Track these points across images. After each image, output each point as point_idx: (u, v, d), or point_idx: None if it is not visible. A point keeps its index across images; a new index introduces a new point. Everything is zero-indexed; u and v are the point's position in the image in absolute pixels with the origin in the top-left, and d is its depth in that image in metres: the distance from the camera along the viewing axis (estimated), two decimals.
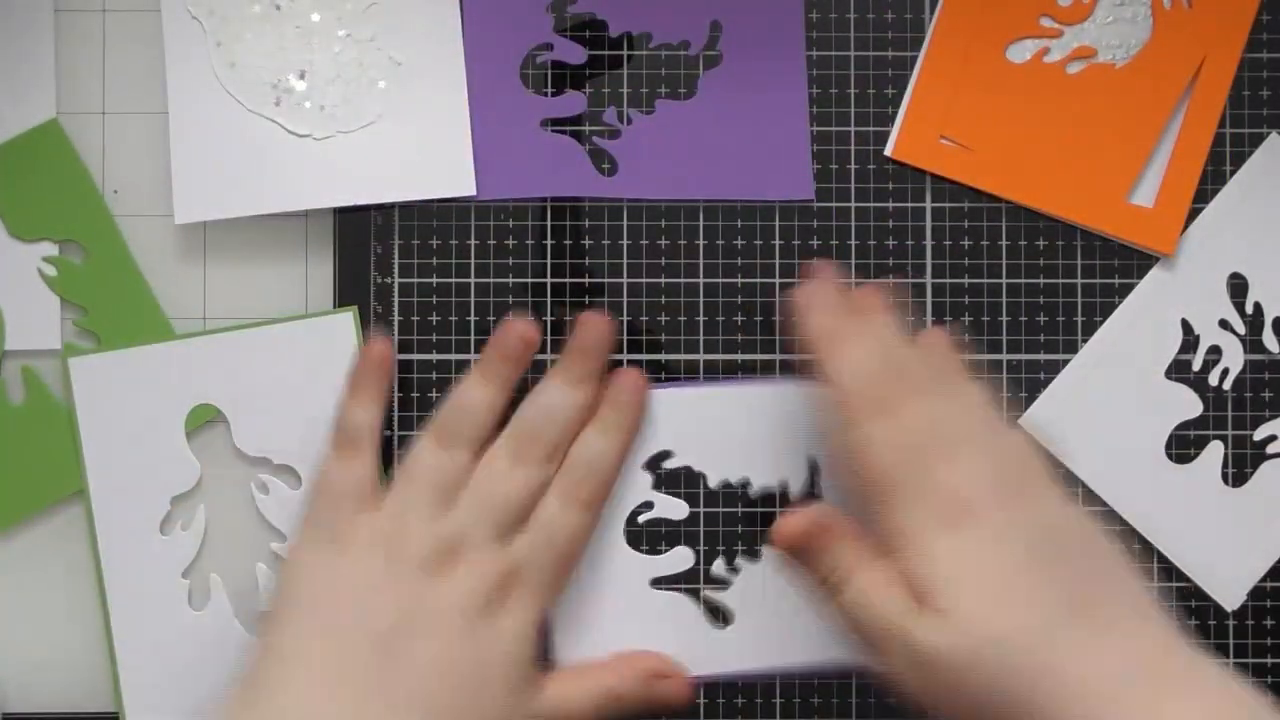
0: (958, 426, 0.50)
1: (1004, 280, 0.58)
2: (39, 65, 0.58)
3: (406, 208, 0.58)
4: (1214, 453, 0.57)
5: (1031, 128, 0.58)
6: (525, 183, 0.58)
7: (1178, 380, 0.57)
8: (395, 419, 0.58)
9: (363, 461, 0.55)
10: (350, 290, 0.58)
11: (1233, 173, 0.58)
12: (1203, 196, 0.58)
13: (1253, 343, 0.58)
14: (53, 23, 0.58)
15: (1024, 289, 0.58)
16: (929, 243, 0.58)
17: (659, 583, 0.57)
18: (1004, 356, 0.58)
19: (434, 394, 0.58)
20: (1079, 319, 0.58)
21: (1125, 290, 0.58)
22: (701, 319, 0.58)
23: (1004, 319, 0.58)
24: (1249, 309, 0.57)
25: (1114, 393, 0.57)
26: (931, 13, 0.58)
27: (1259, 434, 0.57)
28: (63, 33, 0.59)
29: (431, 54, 0.58)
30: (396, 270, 0.58)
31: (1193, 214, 0.58)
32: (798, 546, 0.51)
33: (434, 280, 0.58)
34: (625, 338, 0.58)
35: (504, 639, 0.52)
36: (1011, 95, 0.58)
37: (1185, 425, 0.57)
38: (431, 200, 0.58)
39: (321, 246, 0.59)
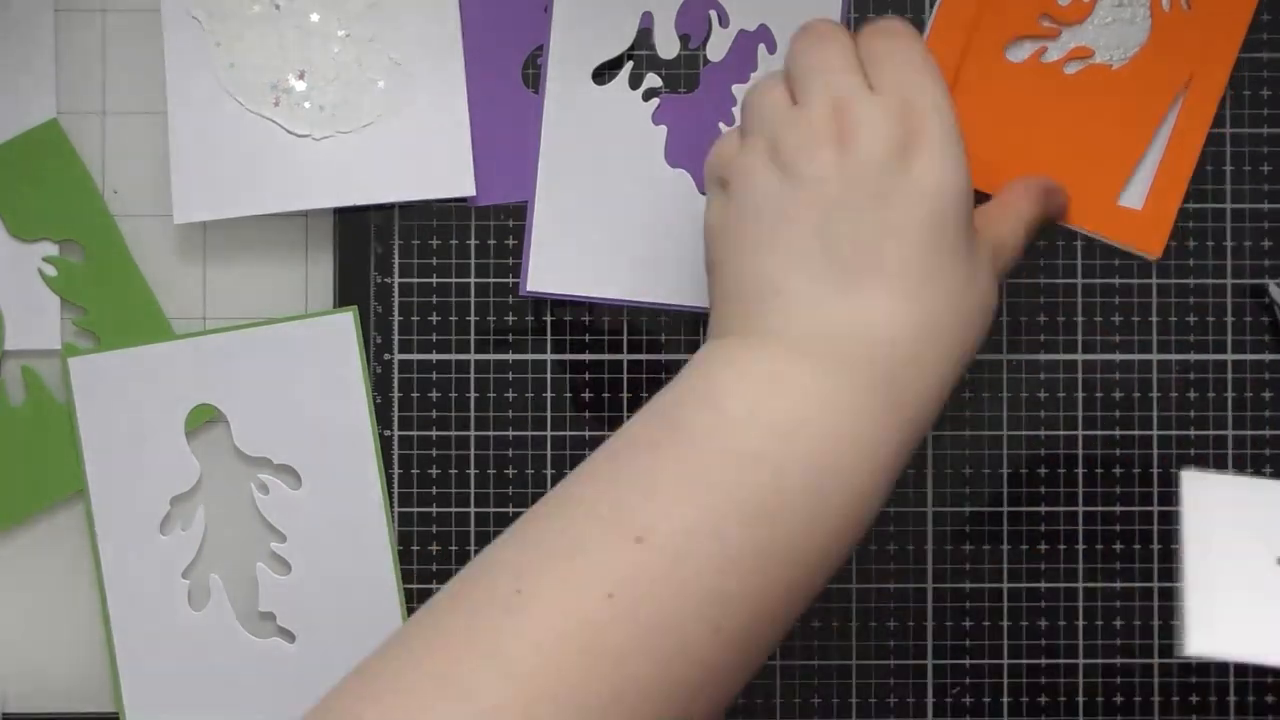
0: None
1: (1004, 280, 0.58)
2: (39, 65, 0.58)
3: (406, 208, 0.58)
4: None
5: (1028, 128, 0.58)
6: (525, 183, 0.58)
7: None
8: (395, 419, 0.58)
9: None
10: (350, 290, 0.58)
11: (1233, 173, 0.58)
12: (1202, 197, 0.58)
13: None
14: (53, 23, 0.58)
15: (1024, 289, 0.58)
16: None
17: None
18: (1004, 356, 0.58)
19: (434, 394, 0.58)
20: (1079, 319, 0.58)
21: (1125, 290, 0.58)
22: (702, 321, 0.58)
23: (1004, 319, 0.58)
24: None
25: None
26: (930, 11, 0.58)
27: None
28: (63, 33, 0.59)
29: (431, 54, 0.58)
30: (396, 270, 0.58)
31: (1183, 214, 0.58)
32: None
33: (434, 280, 0.58)
34: (625, 338, 0.58)
35: (927, 183, 0.47)
36: (1009, 95, 0.58)
37: None
38: (431, 200, 0.58)
39: (321, 246, 0.59)
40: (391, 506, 0.58)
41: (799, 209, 0.47)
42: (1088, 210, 0.57)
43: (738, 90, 0.58)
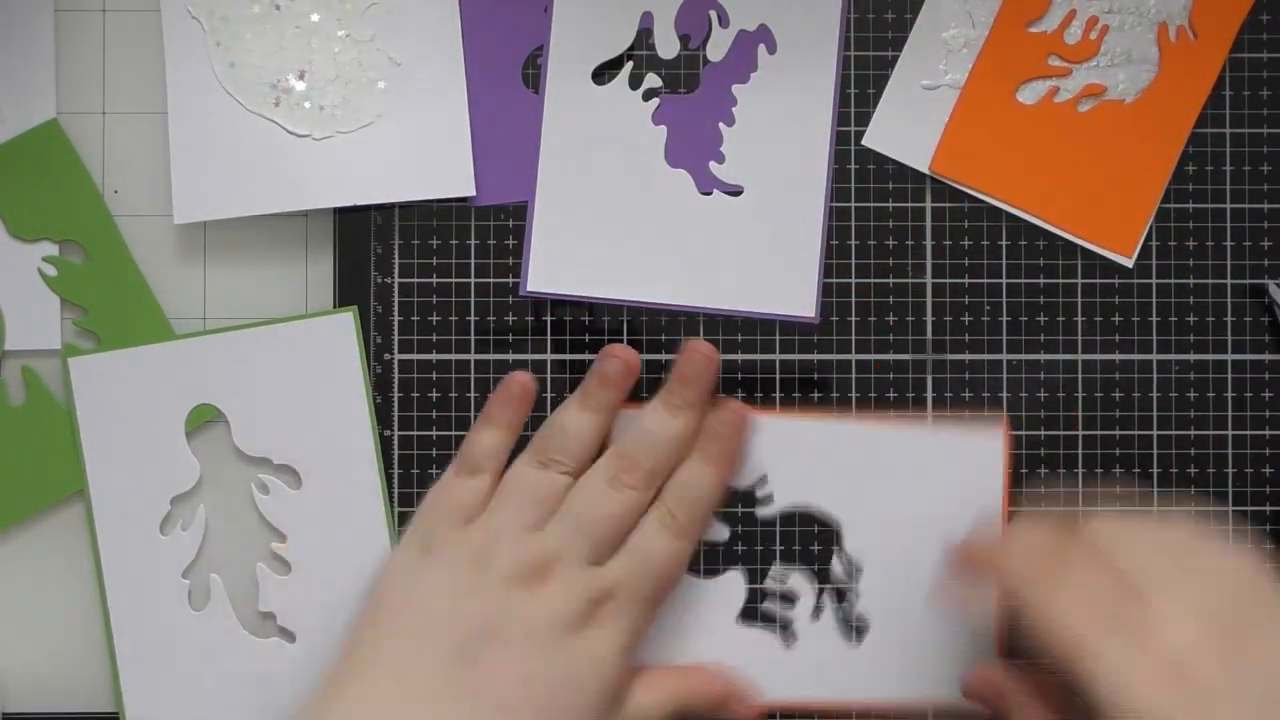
0: (1161, 563, 0.46)
1: (1004, 280, 0.58)
2: (39, 65, 0.58)
3: (406, 208, 0.58)
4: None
5: (1047, 169, 0.57)
6: (525, 183, 0.58)
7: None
8: (395, 419, 0.58)
9: (480, 483, 0.55)
10: (350, 290, 0.58)
11: (1233, 173, 0.58)
12: (1202, 197, 0.58)
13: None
14: (53, 23, 0.58)
15: (1024, 289, 0.58)
16: (929, 243, 0.58)
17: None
18: (1004, 356, 0.58)
19: (434, 394, 0.58)
20: (1079, 319, 0.58)
21: (1125, 290, 0.58)
22: (702, 319, 0.58)
23: (1004, 319, 0.58)
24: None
25: None
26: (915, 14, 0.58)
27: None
28: (63, 33, 0.59)
29: (431, 54, 0.58)
30: (396, 270, 0.58)
31: (1183, 214, 0.58)
32: (986, 697, 0.55)
33: (434, 280, 0.58)
34: (625, 338, 0.58)
35: (592, 656, 0.52)
36: (1025, 138, 0.57)
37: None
38: (431, 200, 0.58)
39: (321, 246, 0.59)
40: (391, 506, 0.58)
41: None
42: (1114, 240, 0.58)
43: (738, 90, 0.58)
